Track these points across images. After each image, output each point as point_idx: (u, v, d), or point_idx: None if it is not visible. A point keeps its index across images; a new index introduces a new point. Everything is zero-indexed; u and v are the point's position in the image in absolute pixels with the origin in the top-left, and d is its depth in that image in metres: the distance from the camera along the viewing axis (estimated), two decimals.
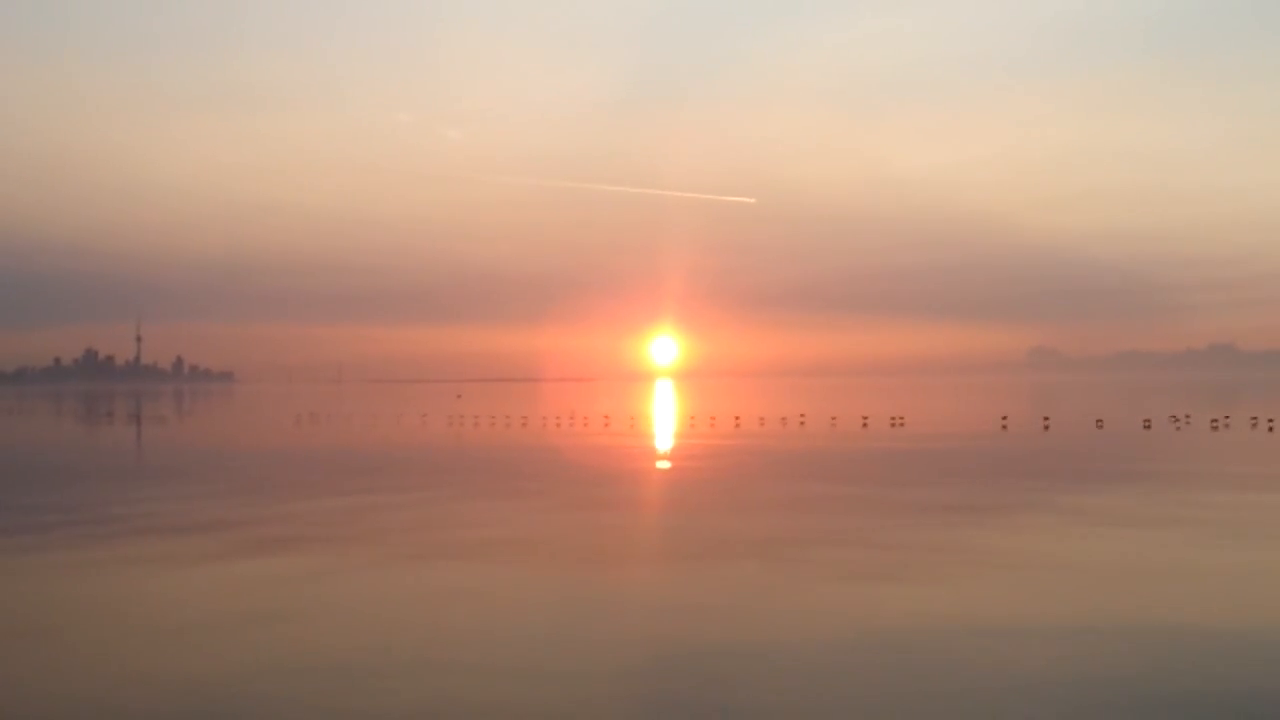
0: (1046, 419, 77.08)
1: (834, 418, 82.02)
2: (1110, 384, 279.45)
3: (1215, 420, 71.85)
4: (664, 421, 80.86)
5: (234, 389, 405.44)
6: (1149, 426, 66.46)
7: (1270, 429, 61.90)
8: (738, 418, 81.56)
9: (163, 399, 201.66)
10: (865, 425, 71.40)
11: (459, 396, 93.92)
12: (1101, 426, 67.16)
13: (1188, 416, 77.24)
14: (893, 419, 78.87)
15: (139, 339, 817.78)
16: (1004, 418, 79.71)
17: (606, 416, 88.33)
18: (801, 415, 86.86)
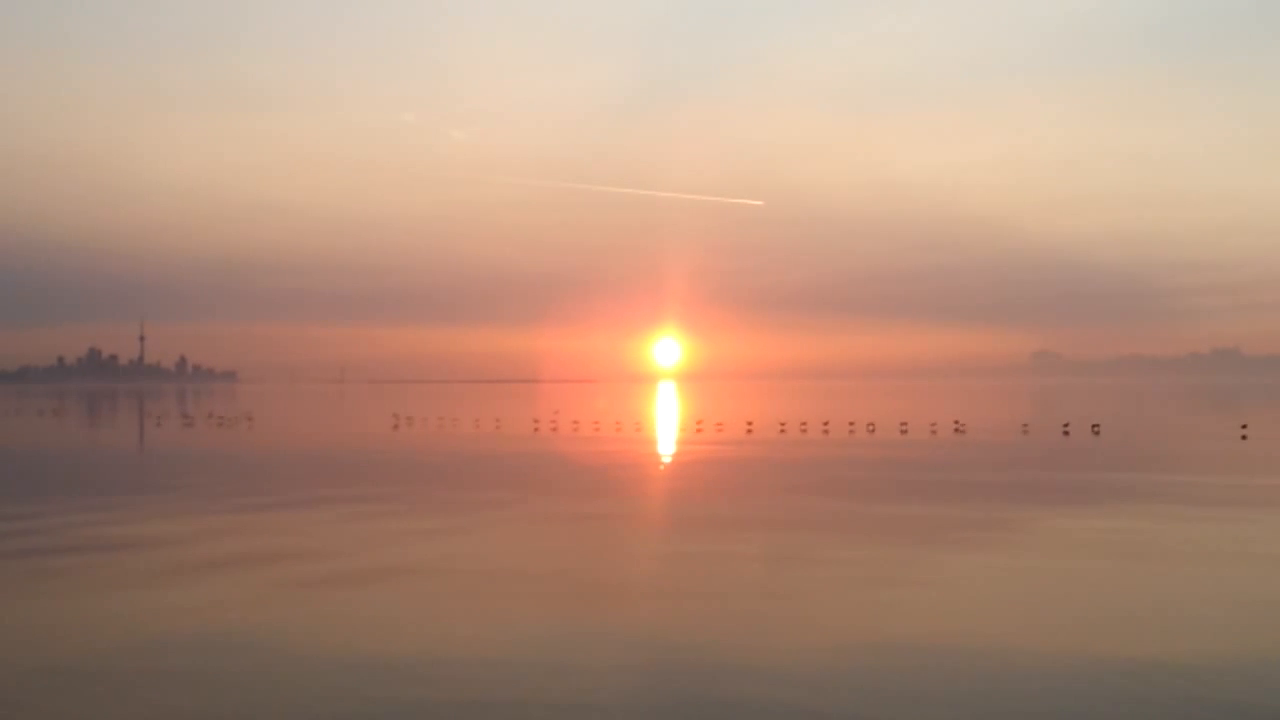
0: (1244, 426, 70.51)
1: (852, 423, 79.04)
2: (1123, 388, 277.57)
3: None
4: (714, 428, 78.34)
5: (238, 389, 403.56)
6: (1246, 437, 61.83)
7: None
8: (749, 423, 78.24)
9: (211, 398, 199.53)
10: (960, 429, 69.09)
11: (557, 414, 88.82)
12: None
13: None
14: (957, 424, 76.26)
15: (142, 338, 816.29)
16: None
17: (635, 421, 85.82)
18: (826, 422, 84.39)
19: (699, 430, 70.91)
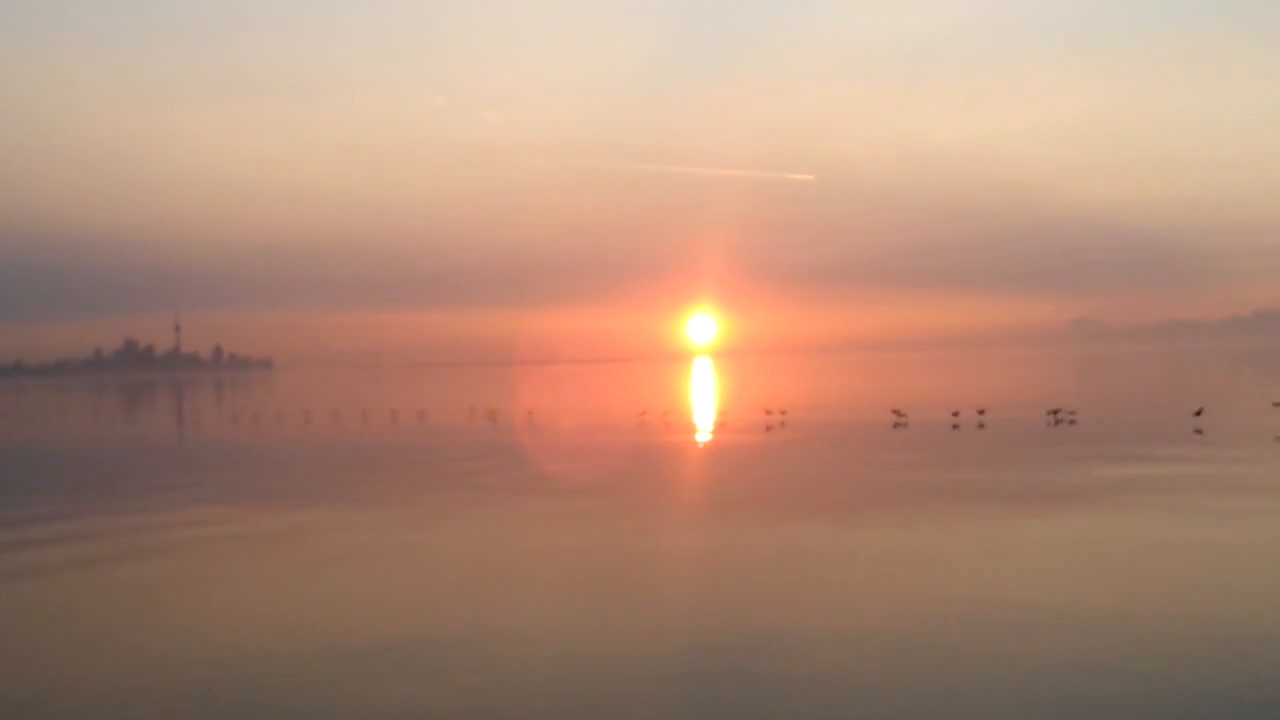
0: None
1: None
2: (1161, 354, 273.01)
3: None
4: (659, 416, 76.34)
5: (274, 376, 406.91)
6: None
7: None
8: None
9: (250, 388, 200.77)
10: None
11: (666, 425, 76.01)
12: None
13: None
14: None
15: (178, 328, 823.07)
16: None
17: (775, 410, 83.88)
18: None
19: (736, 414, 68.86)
